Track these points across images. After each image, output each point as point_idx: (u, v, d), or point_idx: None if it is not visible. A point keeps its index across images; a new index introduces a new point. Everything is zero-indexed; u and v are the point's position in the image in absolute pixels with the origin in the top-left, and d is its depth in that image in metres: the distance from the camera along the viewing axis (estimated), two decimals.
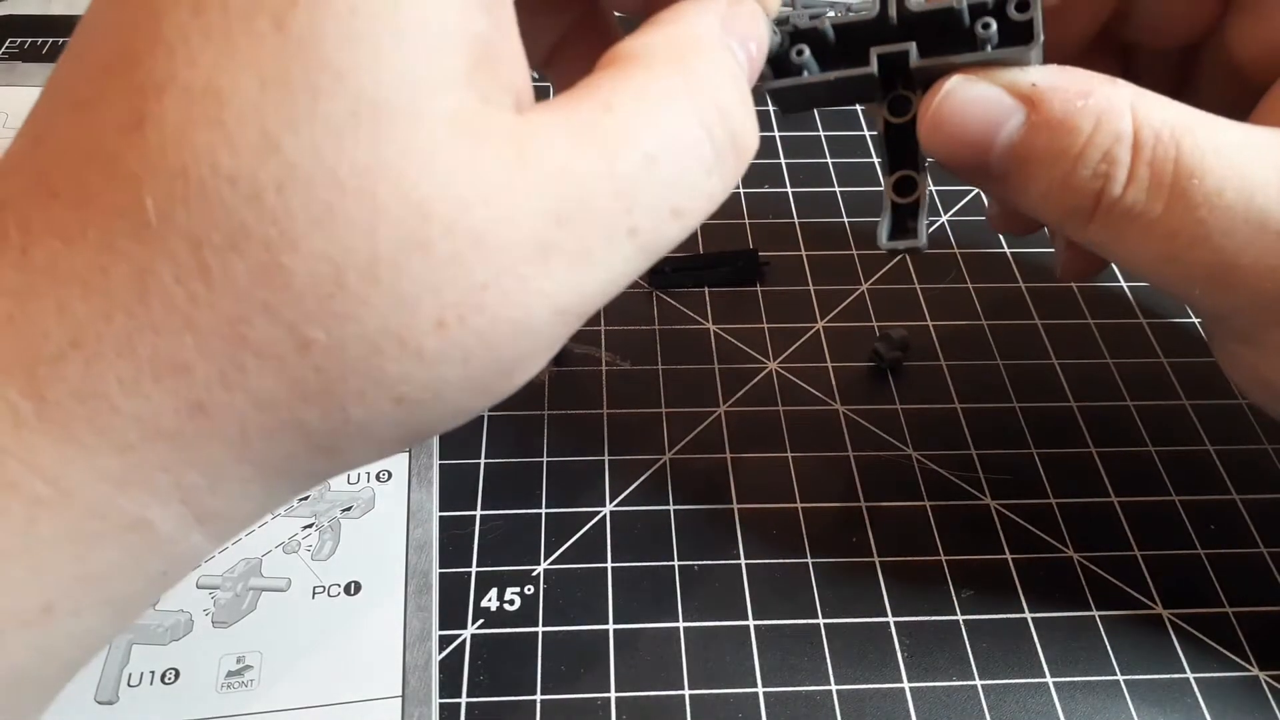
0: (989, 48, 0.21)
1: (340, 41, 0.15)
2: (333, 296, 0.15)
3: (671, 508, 0.29)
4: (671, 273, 0.36)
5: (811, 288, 0.36)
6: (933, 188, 0.22)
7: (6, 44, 0.45)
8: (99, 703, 0.24)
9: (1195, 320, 0.34)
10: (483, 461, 0.30)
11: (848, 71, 0.22)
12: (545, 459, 0.30)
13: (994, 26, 0.21)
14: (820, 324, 0.35)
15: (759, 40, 0.21)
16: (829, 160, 0.41)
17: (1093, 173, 0.21)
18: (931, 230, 0.24)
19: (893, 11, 0.22)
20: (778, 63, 0.23)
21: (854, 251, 0.37)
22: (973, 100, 0.21)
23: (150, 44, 0.15)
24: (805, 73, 0.23)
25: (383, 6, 0.15)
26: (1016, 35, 0.21)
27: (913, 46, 0.22)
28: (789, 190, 0.40)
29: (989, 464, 0.30)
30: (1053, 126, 0.21)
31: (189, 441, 0.15)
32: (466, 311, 0.16)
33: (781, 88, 0.23)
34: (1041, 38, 0.21)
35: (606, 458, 0.30)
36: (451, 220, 0.15)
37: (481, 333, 0.16)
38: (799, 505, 0.29)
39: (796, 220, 0.38)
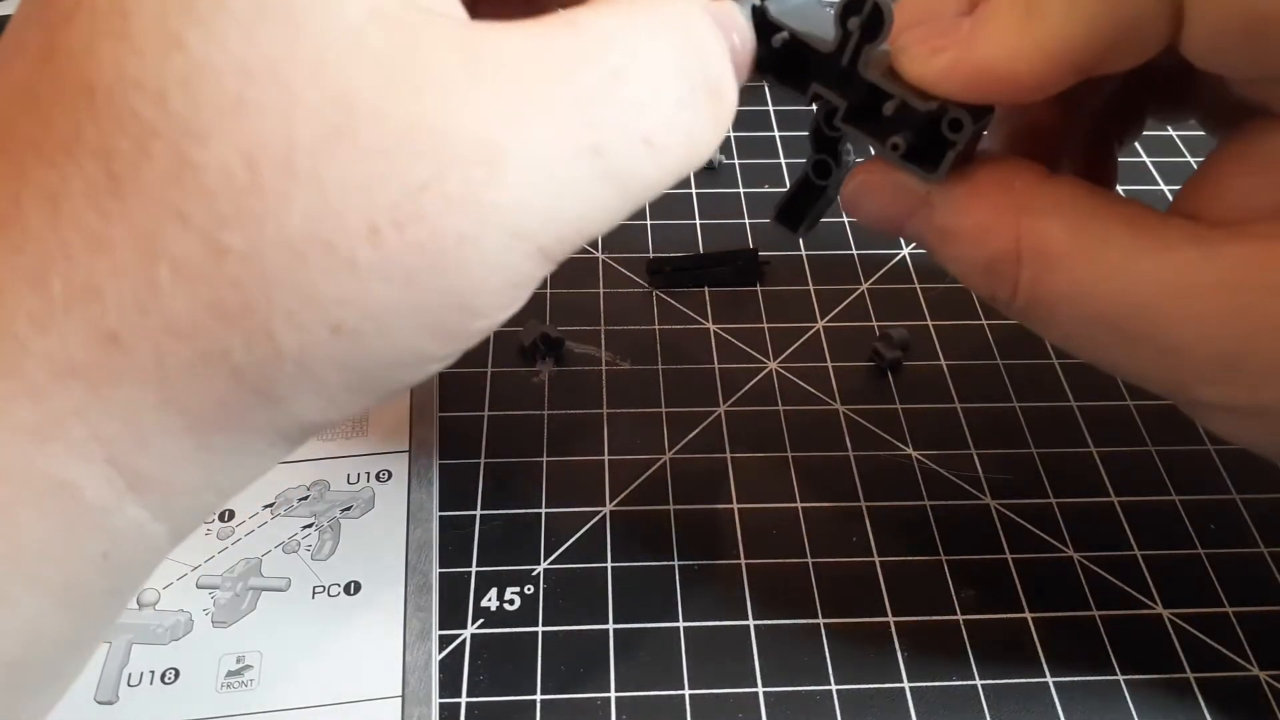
0: (898, 156, 0.21)
1: None
2: (247, 193, 0.14)
3: (671, 508, 0.29)
4: (671, 273, 0.36)
5: (811, 288, 0.36)
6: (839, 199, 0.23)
7: None
8: (99, 702, 0.24)
9: None
10: (483, 461, 0.30)
11: (788, 88, 0.22)
12: (545, 459, 0.30)
13: (901, 149, 0.21)
14: (820, 324, 0.35)
15: (742, 35, 0.20)
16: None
17: (985, 282, 0.21)
18: (812, 229, 0.25)
19: (847, 55, 0.21)
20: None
21: (854, 251, 0.37)
22: (877, 190, 0.22)
23: None
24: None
25: None
26: (929, 155, 0.20)
27: (843, 108, 0.21)
28: (787, 189, 0.39)
29: (989, 464, 0.30)
30: (942, 234, 0.21)
31: (104, 380, 0.14)
32: (403, 217, 0.14)
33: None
34: (946, 172, 0.20)
35: (606, 458, 0.30)
36: (378, 108, 0.14)
37: (424, 246, 0.14)
38: (799, 505, 0.29)
39: None
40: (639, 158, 0.16)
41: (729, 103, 0.18)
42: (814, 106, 0.22)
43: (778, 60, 0.22)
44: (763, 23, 0.21)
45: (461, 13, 0.17)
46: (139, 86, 0.14)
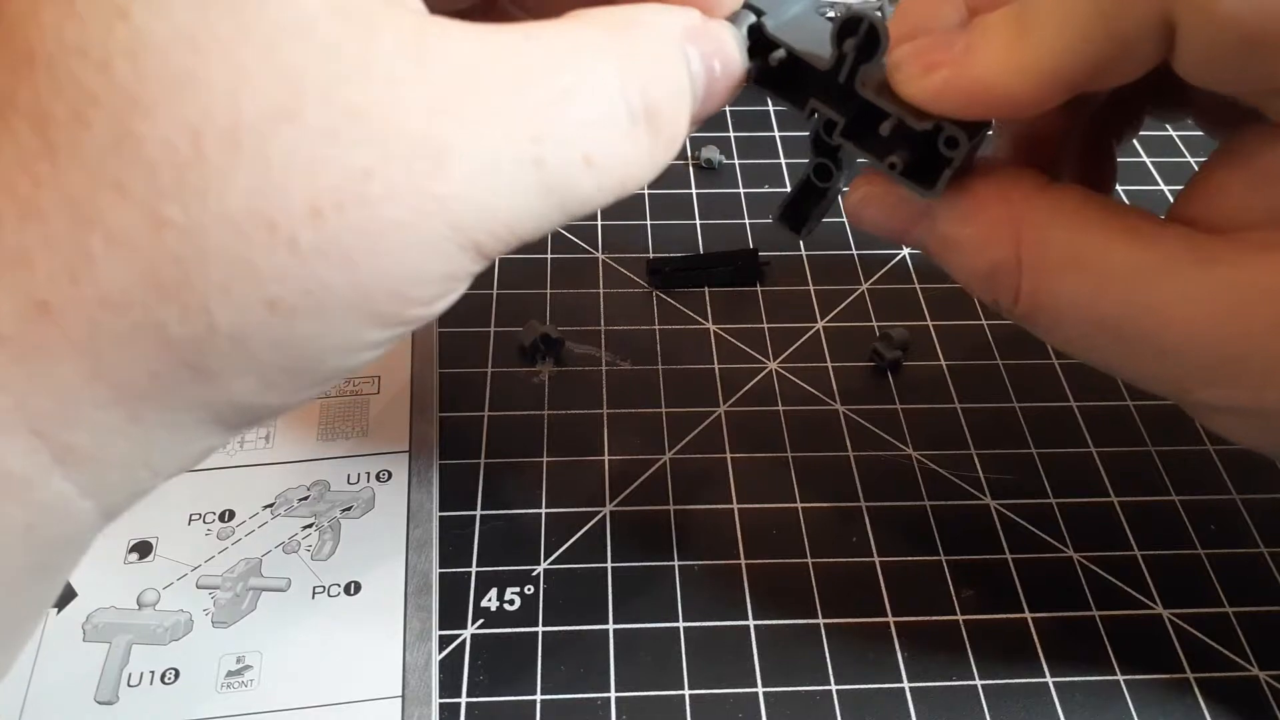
0: (897, 168, 0.21)
1: None
2: (189, 167, 0.14)
3: (671, 508, 0.29)
4: (671, 273, 0.36)
5: (811, 288, 0.36)
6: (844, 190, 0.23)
7: None
8: (99, 703, 0.24)
9: None
10: (483, 461, 0.30)
11: (786, 101, 0.22)
12: (545, 459, 0.30)
13: (899, 167, 0.21)
14: (820, 324, 0.35)
15: (725, 60, 0.20)
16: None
17: (986, 289, 0.21)
18: (813, 231, 0.25)
19: (843, 73, 0.21)
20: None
21: (854, 251, 0.37)
22: (878, 203, 0.22)
23: None
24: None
25: None
26: (926, 172, 0.21)
27: (841, 124, 0.21)
28: (789, 190, 0.39)
29: (989, 464, 0.30)
30: (943, 243, 0.22)
31: (32, 350, 0.14)
32: (346, 200, 0.14)
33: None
34: (943, 189, 0.21)
35: (606, 458, 0.30)
36: (327, 92, 0.14)
37: (364, 229, 0.14)
38: (799, 505, 0.29)
39: None
40: (578, 174, 0.17)
41: (671, 137, 0.19)
42: (814, 117, 0.22)
43: (776, 75, 0.22)
44: (760, 38, 0.21)
45: (422, 9, 0.17)
46: (81, 54, 0.14)
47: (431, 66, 0.15)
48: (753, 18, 0.21)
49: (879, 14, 0.21)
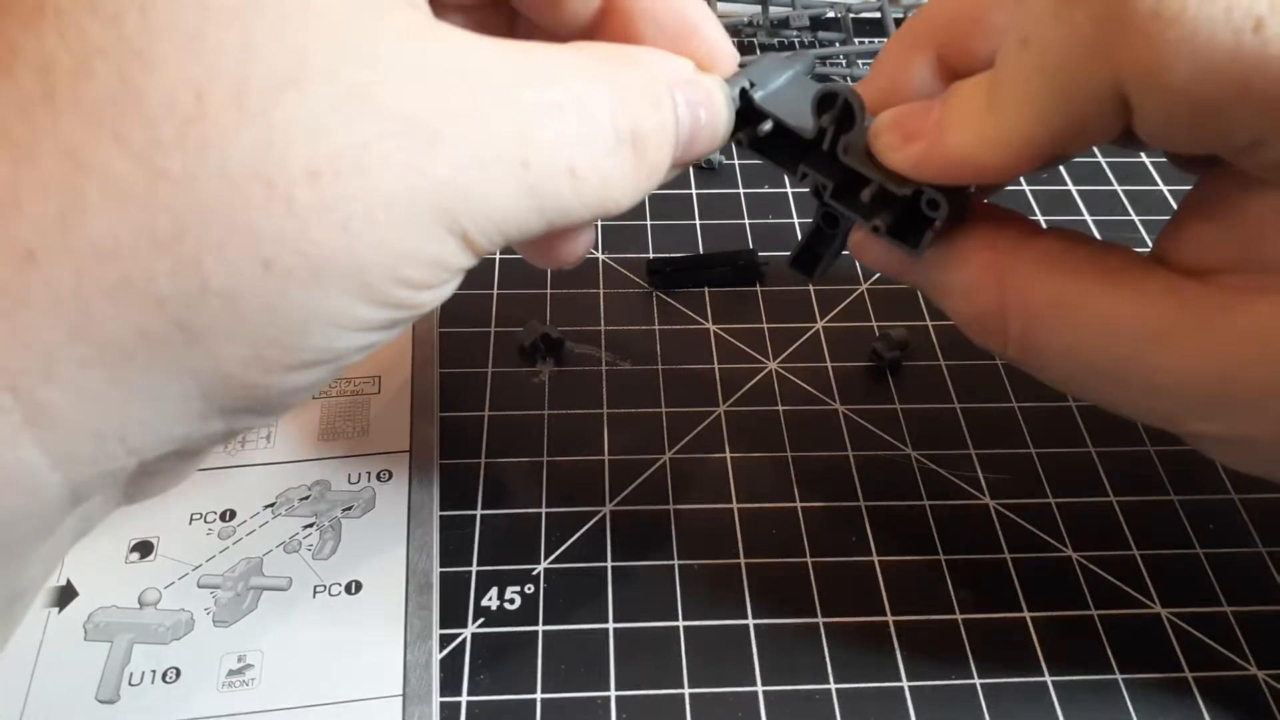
0: (881, 230, 0.22)
1: None
2: (191, 121, 0.14)
3: (671, 508, 0.29)
4: (671, 273, 0.36)
5: (811, 288, 0.36)
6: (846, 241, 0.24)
7: None
8: (100, 702, 0.24)
9: None
10: (483, 461, 0.30)
11: (778, 166, 0.23)
12: (545, 459, 0.30)
13: (883, 230, 0.22)
14: (820, 324, 0.35)
15: (711, 111, 0.21)
16: None
17: (977, 331, 0.22)
18: (827, 272, 0.26)
19: (827, 140, 0.22)
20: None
21: None
22: (879, 248, 0.23)
23: None
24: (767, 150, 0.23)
25: None
26: (912, 230, 0.22)
27: (830, 187, 0.22)
28: (789, 190, 0.40)
29: (988, 464, 0.30)
30: (935, 289, 0.23)
31: (14, 301, 0.13)
32: (343, 166, 0.15)
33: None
34: (927, 249, 0.21)
35: (606, 458, 0.30)
36: (332, 69, 0.15)
37: (360, 197, 0.15)
38: (799, 505, 0.29)
39: (796, 220, 0.38)
40: (561, 184, 0.17)
41: (654, 165, 0.19)
42: (805, 179, 0.23)
43: (766, 142, 0.23)
44: (749, 109, 0.22)
45: (426, 9, 0.17)
46: (92, 9, 0.14)
47: (432, 60, 0.16)
48: (745, 83, 0.22)
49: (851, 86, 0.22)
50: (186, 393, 0.15)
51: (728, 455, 0.31)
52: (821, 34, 0.47)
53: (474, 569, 0.28)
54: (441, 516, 0.29)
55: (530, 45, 0.18)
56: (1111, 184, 0.41)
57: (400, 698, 0.25)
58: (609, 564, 0.28)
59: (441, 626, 0.26)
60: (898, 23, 0.46)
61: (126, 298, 0.14)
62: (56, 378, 0.14)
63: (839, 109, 0.21)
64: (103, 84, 0.14)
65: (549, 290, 0.35)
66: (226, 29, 0.14)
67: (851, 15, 0.46)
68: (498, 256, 0.36)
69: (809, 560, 0.28)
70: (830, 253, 0.25)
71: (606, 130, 0.18)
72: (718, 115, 0.21)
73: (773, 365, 0.33)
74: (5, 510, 0.14)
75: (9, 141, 0.13)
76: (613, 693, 0.25)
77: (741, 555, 0.28)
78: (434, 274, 0.17)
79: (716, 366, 0.33)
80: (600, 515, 0.29)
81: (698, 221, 0.38)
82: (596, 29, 0.22)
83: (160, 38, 0.14)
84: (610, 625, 0.27)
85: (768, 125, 0.23)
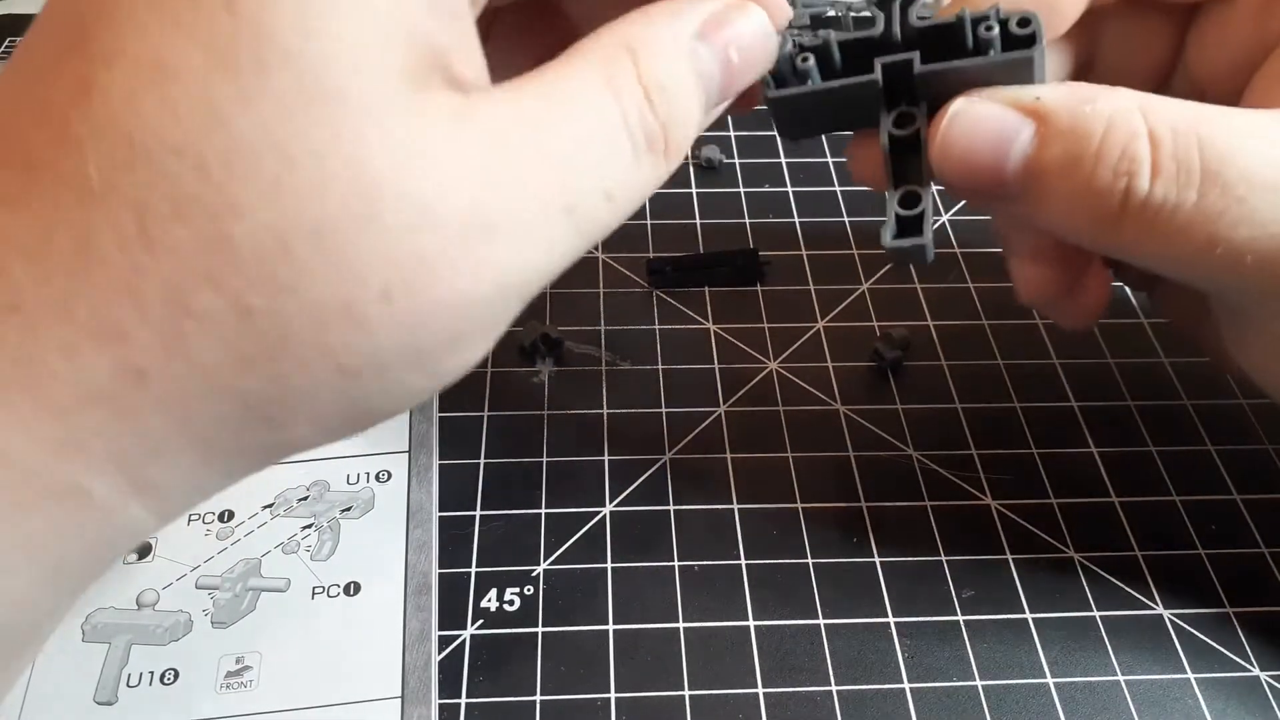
0: (992, 53, 0.21)
1: (291, 21, 0.15)
2: (277, 265, 0.15)
3: (671, 508, 0.29)
4: (671, 273, 0.36)
5: (812, 287, 0.36)
6: (936, 195, 0.22)
7: (6, 43, 0.45)
8: (98, 703, 0.24)
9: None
10: (483, 461, 0.30)
11: (851, 79, 0.22)
12: (545, 459, 0.30)
13: (996, 29, 0.21)
14: (820, 324, 0.34)
15: (744, 49, 0.21)
16: (829, 160, 0.41)
17: (1113, 173, 0.20)
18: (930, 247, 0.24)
19: (896, 27, 0.22)
20: (780, 75, 0.23)
21: (854, 251, 0.37)
22: (979, 119, 0.21)
23: (101, 18, 0.15)
24: (809, 82, 0.23)
25: None
26: (1020, 43, 0.21)
27: (916, 55, 0.22)
28: (789, 190, 0.39)
29: (989, 464, 0.30)
30: (1064, 134, 0.21)
31: (128, 408, 0.15)
32: (414, 282, 0.16)
33: (783, 96, 0.23)
34: (1044, 41, 0.21)
35: (606, 458, 0.30)
36: (400, 193, 0.16)
37: (427, 303, 0.16)
38: (799, 505, 0.29)
39: (797, 220, 0.38)
40: (601, 209, 0.18)
41: (677, 150, 0.20)
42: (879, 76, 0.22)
43: (832, 75, 0.23)
44: (826, 57, 0.23)
45: (481, 80, 0.18)
46: (178, 153, 0.15)
47: (476, 147, 0.16)
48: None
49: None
50: (259, 457, 0.17)
51: (728, 455, 0.31)
52: (822, 33, 0.47)
53: (473, 570, 0.28)
54: (440, 517, 0.29)
55: (544, 81, 0.18)
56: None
57: (399, 699, 0.24)
58: (609, 564, 0.28)
59: (440, 628, 0.26)
60: None
61: (221, 404, 0.16)
62: (159, 461, 0.16)
63: None
64: (196, 230, 0.15)
65: (549, 290, 0.35)
66: (304, 170, 0.15)
67: (852, 14, 0.46)
68: None
69: (810, 561, 0.28)
70: (923, 173, 0.23)
71: (622, 142, 0.18)
72: (752, 47, 0.21)
73: (773, 365, 0.33)
74: (112, 550, 0.17)
75: (114, 277, 0.15)
76: (612, 694, 0.25)
77: (742, 555, 0.28)
78: (490, 335, 0.18)
79: (717, 366, 0.33)
80: (600, 515, 0.29)
81: (698, 221, 0.38)
82: None
83: (245, 187, 0.15)
84: (610, 626, 0.26)
85: (833, 39, 0.22)
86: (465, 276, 0.16)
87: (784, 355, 0.33)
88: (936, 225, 0.23)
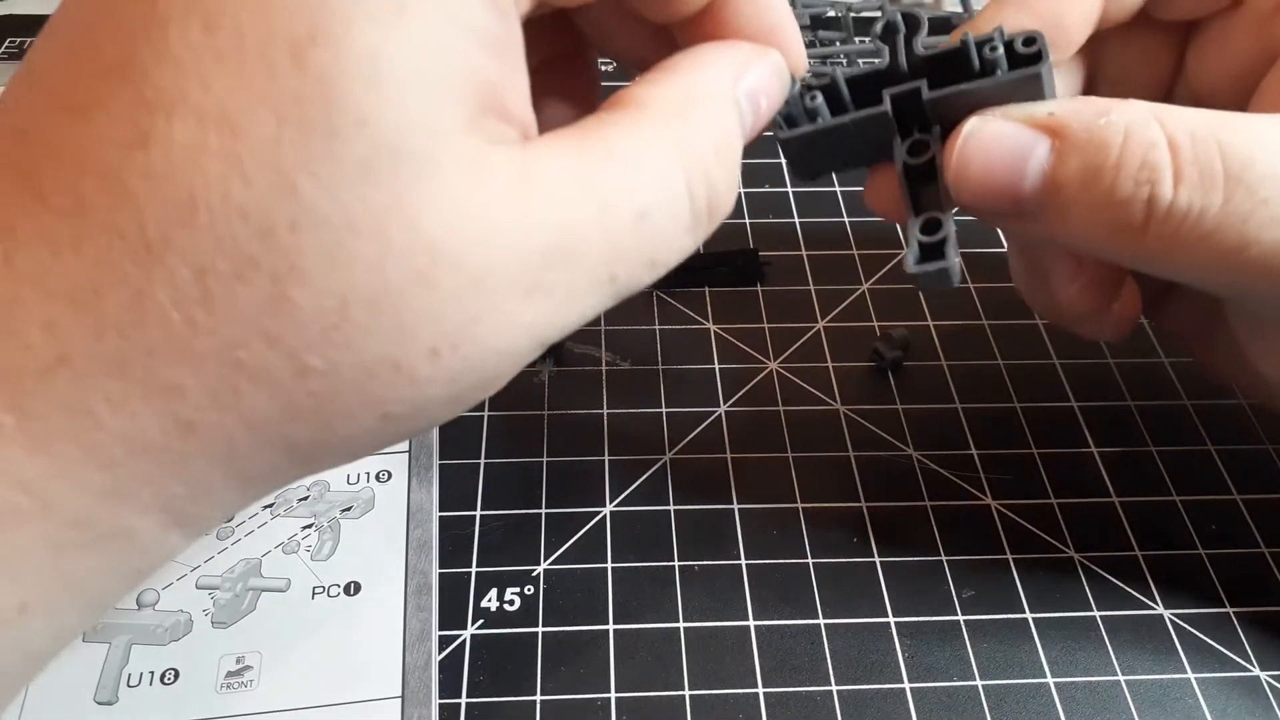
0: (999, 73, 0.21)
1: (362, 86, 0.15)
2: (336, 327, 0.15)
3: (671, 508, 0.29)
4: (671, 273, 0.35)
5: (812, 287, 0.36)
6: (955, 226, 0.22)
7: (6, 44, 0.45)
8: (98, 703, 0.24)
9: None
10: (483, 461, 0.30)
11: (862, 113, 0.22)
12: (545, 459, 0.30)
13: (1001, 49, 0.21)
14: (821, 324, 0.34)
15: (770, 96, 0.21)
16: None
17: (1135, 182, 0.20)
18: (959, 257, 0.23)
19: (902, 58, 0.22)
20: (790, 116, 0.23)
21: (854, 251, 0.37)
22: (994, 137, 0.21)
23: (158, 57, 0.14)
24: (819, 119, 0.23)
25: (404, 52, 0.15)
26: (1025, 61, 0.21)
27: (923, 83, 0.22)
28: (789, 190, 0.39)
29: (990, 464, 0.30)
30: (1081, 147, 0.21)
31: (175, 458, 0.15)
32: (460, 340, 0.16)
33: (796, 136, 0.23)
34: (1050, 59, 0.21)
35: (606, 458, 0.30)
36: (457, 258, 0.16)
37: (469, 358, 0.16)
38: (799, 505, 0.29)
39: (797, 220, 0.38)
40: (643, 276, 0.19)
41: (725, 210, 0.20)
42: (889, 107, 0.22)
43: (842, 110, 0.23)
44: (832, 95, 0.23)
45: (531, 123, 0.18)
46: (244, 216, 0.14)
47: (533, 218, 0.16)
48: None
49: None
50: (288, 483, 0.18)
51: (728, 455, 0.31)
52: (822, 33, 0.47)
53: (473, 570, 0.28)
54: (441, 517, 0.29)
55: (607, 139, 0.18)
56: None
57: (399, 699, 0.24)
58: (609, 564, 0.28)
59: (441, 628, 0.26)
60: None
61: (267, 451, 0.16)
62: (202, 501, 0.16)
63: (904, 19, 0.22)
64: (257, 293, 0.15)
65: None
66: (368, 239, 0.15)
67: (852, 15, 0.46)
68: None
69: (810, 561, 0.28)
70: (941, 199, 0.22)
71: (684, 213, 0.19)
72: (775, 93, 0.22)
73: (773, 365, 0.33)
74: (147, 575, 0.17)
75: (170, 335, 0.15)
76: (613, 694, 0.25)
77: (742, 555, 0.28)
78: (511, 375, 0.18)
79: (717, 366, 0.33)
80: (600, 515, 0.29)
81: None
82: (684, 29, 0.22)
83: (308, 251, 0.15)
84: (610, 626, 0.26)
85: (840, 76, 0.23)
86: (506, 335, 0.17)
87: (784, 355, 0.33)
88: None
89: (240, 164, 0.14)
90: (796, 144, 0.23)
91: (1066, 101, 0.21)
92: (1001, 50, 0.21)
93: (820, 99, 0.23)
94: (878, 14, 0.46)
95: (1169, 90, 0.27)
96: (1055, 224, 0.21)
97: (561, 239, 0.17)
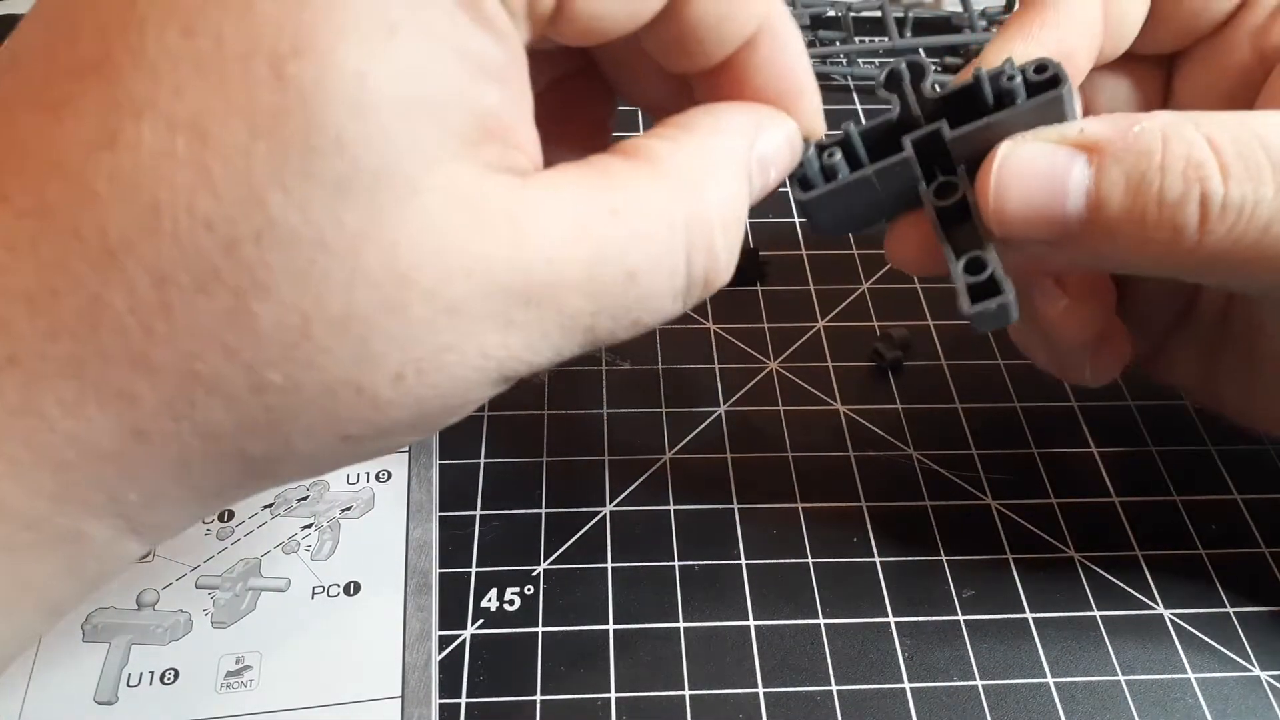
0: (1019, 101, 0.21)
1: (344, 105, 0.14)
2: (297, 345, 0.15)
3: (671, 508, 0.29)
4: None
5: (812, 287, 0.36)
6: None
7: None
8: (98, 703, 0.24)
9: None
10: (483, 461, 0.30)
11: (883, 162, 0.22)
12: (545, 459, 0.30)
13: (1019, 78, 0.21)
14: (821, 323, 0.34)
15: (780, 167, 0.21)
16: None
17: (1184, 181, 0.20)
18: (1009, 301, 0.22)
19: (914, 104, 0.22)
20: (805, 178, 0.23)
21: (854, 251, 0.37)
22: (1029, 161, 0.21)
23: (133, 58, 0.14)
24: (839, 176, 0.22)
25: (392, 75, 0.14)
26: (1042, 88, 0.21)
27: (943, 123, 0.21)
28: (789, 190, 0.39)
29: (990, 463, 0.30)
30: (1121, 156, 0.20)
31: (128, 465, 0.15)
32: (428, 368, 0.16)
33: (815, 197, 0.23)
34: (1069, 83, 0.20)
35: (606, 458, 0.30)
36: (432, 289, 0.15)
37: (436, 386, 0.16)
38: (799, 505, 0.29)
39: (796, 220, 0.38)
40: (621, 333, 0.18)
41: (720, 283, 0.19)
42: (909, 152, 0.22)
43: (867, 146, 0.22)
44: (849, 151, 0.23)
45: (536, 152, 0.18)
46: (209, 228, 0.14)
47: (519, 257, 0.16)
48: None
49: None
50: (252, 495, 0.18)
51: (728, 455, 0.31)
52: (822, 32, 0.47)
53: (473, 570, 0.28)
54: (440, 517, 0.29)
55: (616, 201, 0.17)
56: None
57: (399, 699, 0.24)
58: (609, 564, 0.28)
59: (441, 628, 0.26)
60: (898, 22, 0.46)
61: (221, 464, 0.16)
62: (157, 508, 0.16)
63: (908, 66, 0.22)
64: (218, 305, 0.14)
65: None
66: (339, 260, 0.15)
67: (852, 14, 0.46)
68: None
69: (810, 561, 0.28)
70: (979, 236, 0.22)
71: (679, 281, 0.18)
72: (784, 163, 0.21)
73: (773, 365, 0.33)
74: (104, 580, 0.17)
75: (126, 342, 0.14)
76: (613, 694, 0.25)
77: (742, 555, 0.28)
78: (481, 402, 0.18)
79: (717, 366, 0.33)
80: (600, 515, 0.29)
81: None
82: (702, 80, 0.21)
83: (273, 267, 0.14)
84: (610, 626, 0.26)
85: (854, 131, 0.22)
86: (475, 366, 0.16)
87: (784, 355, 0.33)
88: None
89: (209, 174, 0.14)
90: (815, 204, 0.23)
91: (1096, 119, 0.21)
92: (1020, 79, 0.21)
93: (839, 155, 0.22)
94: (878, 13, 0.46)
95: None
96: (1103, 243, 0.21)
97: (547, 280, 0.16)
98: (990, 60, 0.22)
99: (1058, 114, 0.21)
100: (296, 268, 0.14)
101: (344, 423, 0.16)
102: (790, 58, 0.21)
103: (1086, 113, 0.27)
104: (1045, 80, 0.21)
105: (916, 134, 0.22)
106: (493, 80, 0.16)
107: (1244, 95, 0.25)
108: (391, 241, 0.15)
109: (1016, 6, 0.28)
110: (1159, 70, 0.27)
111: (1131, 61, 0.26)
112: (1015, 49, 0.23)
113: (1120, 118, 0.21)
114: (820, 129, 0.22)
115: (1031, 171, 0.20)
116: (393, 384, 0.16)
